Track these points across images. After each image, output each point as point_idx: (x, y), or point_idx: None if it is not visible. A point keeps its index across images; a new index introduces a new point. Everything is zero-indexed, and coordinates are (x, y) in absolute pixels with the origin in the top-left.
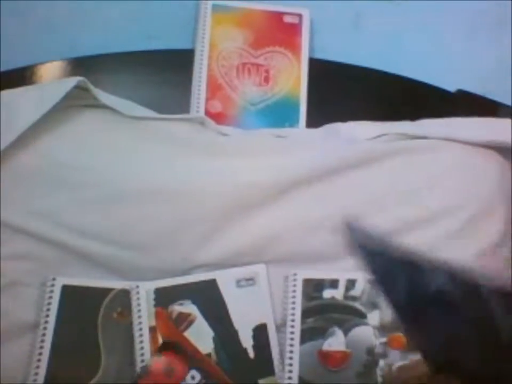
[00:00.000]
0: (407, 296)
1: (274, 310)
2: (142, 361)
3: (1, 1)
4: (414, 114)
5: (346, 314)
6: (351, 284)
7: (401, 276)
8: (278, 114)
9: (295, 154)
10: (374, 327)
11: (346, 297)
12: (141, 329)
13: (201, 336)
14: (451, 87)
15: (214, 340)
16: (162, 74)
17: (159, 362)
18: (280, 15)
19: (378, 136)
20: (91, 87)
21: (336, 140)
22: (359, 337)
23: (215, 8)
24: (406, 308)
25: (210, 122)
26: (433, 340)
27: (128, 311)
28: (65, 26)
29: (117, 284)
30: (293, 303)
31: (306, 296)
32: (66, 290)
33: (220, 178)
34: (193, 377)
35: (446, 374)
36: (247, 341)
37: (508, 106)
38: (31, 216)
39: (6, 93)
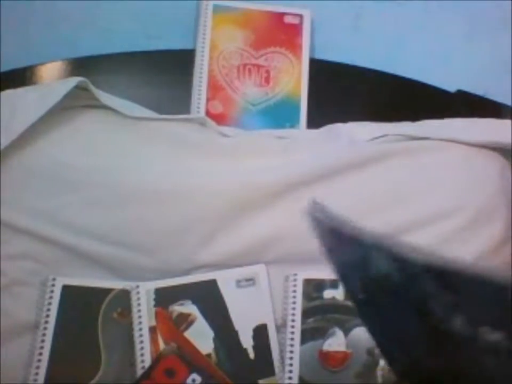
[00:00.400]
0: (362, 286)
1: (275, 310)
2: (142, 361)
3: (1, 1)
4: (414, 115)
5: (346, 315)
6: None
7: (356, 262)
8: (278, 114)
9: (295, 155)
10: None
11: (346, 297)
12: (141, 329)
13: (201, 337)
14: (451, 87)
15: (214, 340)
16: (163, 74)
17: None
18: (281, 15)
19: (379, 137)
20: (92, 87)
21: (337, 141)
22: (359, 338)
23: (216, 8)
24: (363, 301)
25: (211, 122)
26: (391, 337)
27: (128, 311)
28: (65, 26)
29: (117, 284)
30: (293, 303)
31: (307, 296)
32: (66, 290)
33: (220, 179)
34: (194, 380)
35: (409, 380)
36: (247, 341)
37: (508, 106)
38: (31, 216)
39: (7, 93)
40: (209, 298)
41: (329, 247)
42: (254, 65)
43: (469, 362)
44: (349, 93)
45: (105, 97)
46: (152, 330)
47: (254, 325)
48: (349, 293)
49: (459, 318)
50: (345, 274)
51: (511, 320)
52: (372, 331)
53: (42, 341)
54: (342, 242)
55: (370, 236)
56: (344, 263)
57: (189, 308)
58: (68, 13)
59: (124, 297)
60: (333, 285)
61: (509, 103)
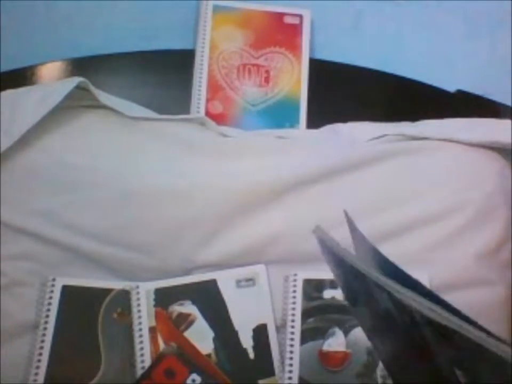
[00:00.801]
0: (367, 307)
1: (275, 310)
2: (142, 361)
3: (1, 1)
4: (413, 115)
5: (346, 315)
6: None
7: (360, 289)
8: (278, 114)
9: (295, 155)
10: None
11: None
12: (141, 329)
13: (201, 337)
14: (451, 87)
15: (214, 340)
16: (163, 74)
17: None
18: (280, 15)
19: (379, 137)
20: (92, 87)
21: (337, 141)
22: (359, 338)
23: (216, 8)
24: (372, 329)
25: (210, 123)
26: (400, 368)
27: (128, 311)
28: (65, 27)
29: (117, 284)
30: (293, 303)
31: (307, 296)
32: (66, 290)
33: (220, 179)
34: (193, 380)
35: None
36: (247, 341)
37: (507, 106)
38: (31, 216)
39: (7, 93)
40: (209, 298)
41: (335, 272)
42: (253, 65)
43: None
44: (349, 93)
45: (105, 98)
46: (152, 330)
47: (254, 325)
48: (357, 319)
49: (460, 373)
50: (352, 296)
51: None
52: (382, 358)
53: (42, 341)
54: (346, 270)
55: (373, 274)
56: (349, 287)
57: (188, 308)
58: (68, 13)
59: (123, 297)
60: (333, 285)
61: (508, 103)
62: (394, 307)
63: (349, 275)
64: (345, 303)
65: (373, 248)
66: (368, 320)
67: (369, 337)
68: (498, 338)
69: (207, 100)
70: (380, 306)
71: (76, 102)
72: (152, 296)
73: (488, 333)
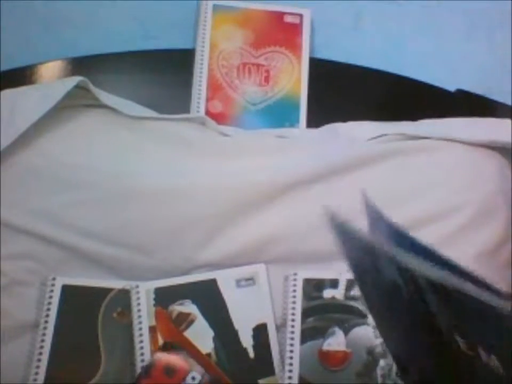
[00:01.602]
0: (374, 286)
1: (274, 310)
2: (142, 361)
3: (1, 1)
4: (414, 114)
5: (346, 314)
6: (351, 283)
7: (368, 265)
8: (278, 114)
9: (295, 154)
10: (374, 327)
11: (346, 297)
12: (141, 329)
13: (201, 336)
14: (451, 87)
15: (214, 339)
16: (163, 74)
17: (161, 360)
18: (281, 15)
19: (378, 136)
20: (91, 87)
21: (336, 140)
22: (359, 337)
23: (216, 8)
24: (378, 311)
25: (211, 122)
26: (405, 351)
27: (128, 311)
28: (65, 26)
29: (117, 284)
30: (293, 302)
31: (307, 296)
32: (66, 290)
33: (220, 178)
34: (193, 378)
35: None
36: (247, 340)
37: (508, 106)
38: (31, 216)
39: (7, 92)
40: (209, 298)
41: (343, 251)
42: (253, 64)
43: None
44: (349, 92)
45: (105, 97)
46: (152, 329)
47: (254, 324)
48: (365, 300)
49: (459, 339)
50: (360, 278)
51: (505, 348)
52: (388, 343)
53: (42, 340)
54: (356, 246)
55: (379, 244)
56: (357, 266)
57: (188, 307)
58: (68, 13)
59: (123, 297)
60: (333, 284)
61: (509, 103)
62: (401, 277)
63: (359, 251)
64: (346, 302)
65: (389, 224)
66: (375, 300)
67: (376, 322)
68: (502, 294)
69: (207, 99)
70: (387, 280)
71: (75, 101)
72: (152, 296)
73: (496, 291)
